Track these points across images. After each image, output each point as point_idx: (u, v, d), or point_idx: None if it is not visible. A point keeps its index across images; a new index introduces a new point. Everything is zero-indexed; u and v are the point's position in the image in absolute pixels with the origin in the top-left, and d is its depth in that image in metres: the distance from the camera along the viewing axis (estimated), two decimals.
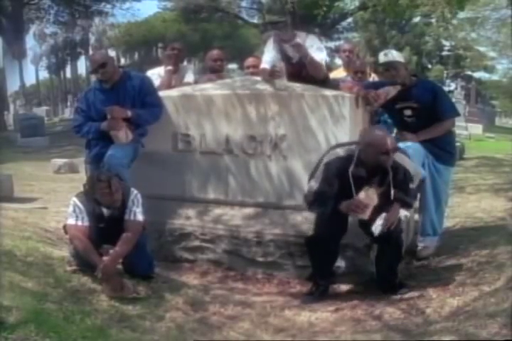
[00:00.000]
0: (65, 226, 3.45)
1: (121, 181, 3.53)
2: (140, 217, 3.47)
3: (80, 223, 3.35)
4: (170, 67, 4.92)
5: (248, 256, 3.94)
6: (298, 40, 4.32)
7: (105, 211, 3.43)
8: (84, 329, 2.52)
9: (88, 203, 3.40)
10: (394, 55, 3.97)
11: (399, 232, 3.41)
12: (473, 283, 3.30)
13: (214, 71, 5.03)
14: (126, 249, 3.31)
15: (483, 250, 3.91)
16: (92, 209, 3.40)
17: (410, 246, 4.41)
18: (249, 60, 5.10)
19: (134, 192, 3.55)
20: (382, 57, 3.98)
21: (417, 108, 3.90)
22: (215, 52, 5.20)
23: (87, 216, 3.37)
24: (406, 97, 3.91)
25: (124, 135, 3.98)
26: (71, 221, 3.38)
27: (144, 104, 4.12)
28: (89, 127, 4.10)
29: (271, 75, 4.15)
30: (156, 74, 5.03)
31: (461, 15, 14.28)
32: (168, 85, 4.82)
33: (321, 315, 3.22)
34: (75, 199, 3.44)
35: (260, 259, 3.91)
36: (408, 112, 3.95)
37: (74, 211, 3.38)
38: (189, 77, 5.07)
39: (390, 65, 3.92)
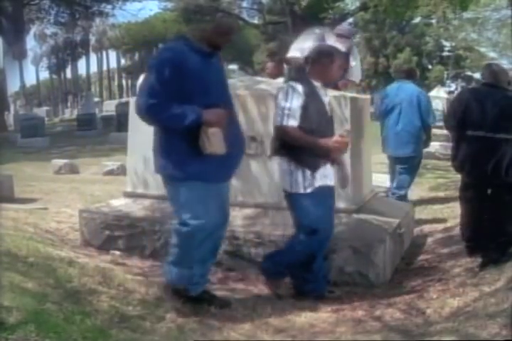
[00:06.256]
0: None
1: None
2: None
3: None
4: None
5: (249, 257, 3.94)
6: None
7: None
8: (84, 330, 2.51)
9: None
10: None
11: None
12: (474, 284, 3.30)
13: None
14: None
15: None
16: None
17: (410, 246, 4.41)
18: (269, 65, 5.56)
19: None
20: None
21: None
22: None
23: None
24: None
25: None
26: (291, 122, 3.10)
27: None
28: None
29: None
30: None
31: (462, 15, 14.29)
32: None
33: (321, 315, 3.22)
34: (293, 84, 3.15)
35: (261, 260, 3.90)
36: None
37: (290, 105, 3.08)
38: None
39: None
